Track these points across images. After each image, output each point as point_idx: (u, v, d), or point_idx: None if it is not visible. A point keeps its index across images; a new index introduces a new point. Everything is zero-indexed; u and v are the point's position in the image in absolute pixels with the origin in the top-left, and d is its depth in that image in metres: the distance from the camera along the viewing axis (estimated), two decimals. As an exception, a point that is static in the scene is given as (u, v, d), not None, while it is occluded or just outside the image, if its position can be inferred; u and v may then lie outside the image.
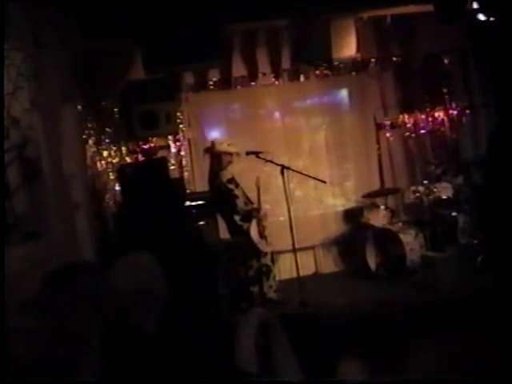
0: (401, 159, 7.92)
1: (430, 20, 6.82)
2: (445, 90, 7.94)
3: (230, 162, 6.07)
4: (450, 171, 7.14)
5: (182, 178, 7.11)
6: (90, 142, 6.44)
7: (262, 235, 6.04)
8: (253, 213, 5.99)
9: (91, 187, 6.17)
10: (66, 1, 4.94)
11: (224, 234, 6.28)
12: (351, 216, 7.54)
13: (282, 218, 7.06)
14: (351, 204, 7.67)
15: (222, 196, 5.96)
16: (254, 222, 5.99)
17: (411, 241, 6.44)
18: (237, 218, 5.95)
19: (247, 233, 5.94)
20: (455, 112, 7.96)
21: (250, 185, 6.24)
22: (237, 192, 5.96)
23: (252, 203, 6.10)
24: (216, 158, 6.05)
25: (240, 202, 5.93)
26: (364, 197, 7.19)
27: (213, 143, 6.17)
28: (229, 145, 6.12)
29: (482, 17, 6.20)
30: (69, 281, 1.77)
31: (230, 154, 6.05)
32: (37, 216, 3.69)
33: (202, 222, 6.22)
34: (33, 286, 1.74)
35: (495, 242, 6.06)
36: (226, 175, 5.98)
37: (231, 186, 5.95)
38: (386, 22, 7.43)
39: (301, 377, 2.26)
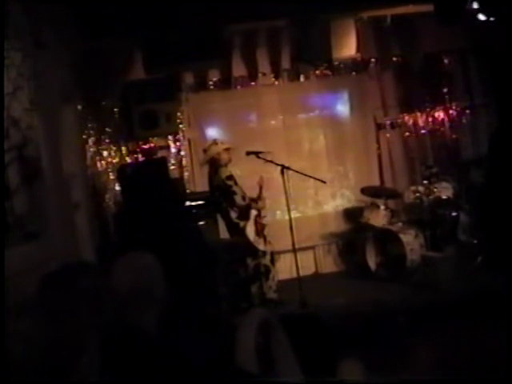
0: (401, 159, 7.92)
1: (430, 20, 6.82)
2: (445, 90, 7.94)
3: (229, 161, 6.07)
4: (444, 173, 7.13)
5: (182, 178, 7.12)
6: (90, 141, 6.44)
7: (259, 234, 6.04)
8: (251, 205, 5.99)
9: (91, 187, 6.17)
10: (66, 1, 4.94)
11: (224, 233, 6.28)
12: (351, 216, 7.54)
13: (281, 218, 7.07)
14: (351, 204, 7.67)
15: (220, 193, 5.96)
16: (250, 221, 5.99)
17: (411, 241, 6.44)
18: (233, 215, 5.95)
19: (243, 231, 5.94)
20: (455, 112, 7.97)
21: (250, 185, 6.25)
22: (235, 189, 5.96)
23: (250, 200, 6.10)
24: (214, 161, 6.05)
25: (238, 198, 5.93)
26: (363, 190, 7.16)
27: (204, 151, 6.17)
28: (221, 143, 6.12)
29: (481, 17, 6.20)
30: (68, 281, 1.77)
31: (227, 149, 6.04)
32: (37, 216, 3.69)
33: (201, 222, 6.23)
34: (33, 286, 1.74)
35: (495, 242, 6.05)
36: (225, 172, 5.99)
37: (230, 183, 5.95)
38: (386, 21, 7.43)
39: (301, 377, 2.26)
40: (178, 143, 7.27)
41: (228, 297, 5.77)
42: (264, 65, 7.44)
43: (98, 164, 6.69)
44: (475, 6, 6.13)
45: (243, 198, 5.99)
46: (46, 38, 4.41)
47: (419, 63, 7.80)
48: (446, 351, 4.70)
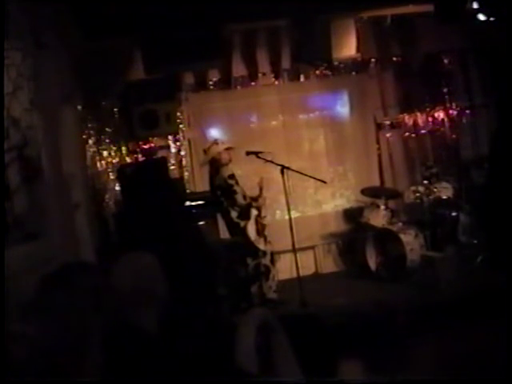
0: (401, 159, 7.92)
1: (430, 20, 6.83)
2: (445, 90, 7.94)
3: (230, 161, 6.07)
4: (444, 173, 7.13)
5: (182, 178, 7.11)
6: (90, 141, 6.44)
7: (259, 233, 6.04)
8: (252, 204, 6.00)
9: (91, 187, 6.17)
10: (66, 1, 4.94)
11: (224, 233, 6.28)
12: (351, 216, 7.54)
13: (281, 218, 7.07)
14: (351, 204, 7.66)
15: (222, 192, 5.97)
16: (251, 220, 5.99)
17: (411, 241, 6.44)
18: (234, 215, 5.95)
19: (244, 231, 5.94)
20: (455, 112, 7.97)
21: (250, 185, 6.26)
22: (237, 188, 5.97)
23: (251, 200, 6.10)
24: (215, 161, 6.05)
25: (240, 198, 5.94)
26: (363, 191, 7.17)
27: (205, 151, 6.18)
28: (222, 143, 6.14)
29: (481, 17, 6.20)
30: (68, 281, 1.77)
31: (227, 149, 6.05)
32: (37, 216, 3.69)
33: (201, 222, 6.22)
34: (33, 286, 1.74)
35: (496, 241, 6.05)
36: (226, 171, 6.00)
37: (231, 182, 5.96)
38: (386, 21, 7.43)
39: (301, 377, 2.26)
40: (178, 143, 7.27)
41: (228, 297, 5.77)
42: (264, 65, 7.44)
43: (98, 164, 6.69)
44: (475, 5, 6.13)
45: (244, 197, 5.99)
46: (46, 38, 4.41)
47: (419, 63, 7.80)
48: (445, 351, 4.70)
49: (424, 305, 5.45)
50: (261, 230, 6.07)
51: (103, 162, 6.83)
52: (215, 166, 6.04)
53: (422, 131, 7.95)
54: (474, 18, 6.26)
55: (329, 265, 7.58)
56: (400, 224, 6.82)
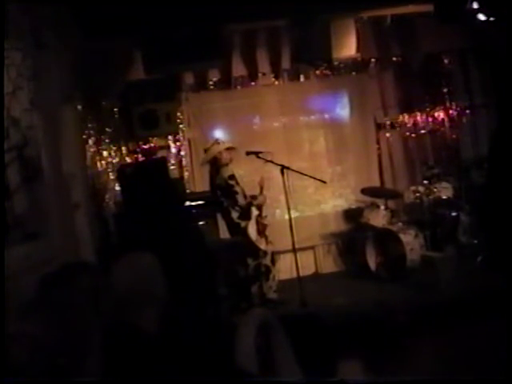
0: (401, 159, 7.92)
1: (430, 20, 6.82)
2: (445, 90, 7.94)
3: (230, 161, 6.07)
4: (445, 174, 7.13)
5: (182, 178, 7.12)
6: (90, 141, 6.44)
7: (260, 233, 6.04)
8: (252, 202, 6.00)
9: (91, 187, 6.17)
10: (66, 1, 4.94)
11: (224, 233, 6.28)
12: (351, 216, 7.54)
13: (281, 218, 7.07)
14: (351, 204, 7.66)
15: (222, 192, 5.97)
16: (252, 220, 5.99)
17: (411, 241, 6.44)
18: (235, 215, 5.95)
19: (245, 231, 5.94)
20: (455, 112, 7.97)
21: (251, 185, 6.26)
22: (237, 188, 5.97)
23: (251, 199, 6.10)
24: (215, 160, 6.05)
25: (240, 198, 5.94)
26: (363, 191, 7.16)
27: (205, 150, 6.19)
28: (223, 142, 6.15)
29: (482, 17, 6.20)
30: (68, 281, 1.77)
31: (228, 149, 6.05)
32: (37, 216, 3.69)
33: (201, 222, 6.22)
34: (33, 286, 1.74)
35: (496, 241, 6.05)
36: (227, 172, 6.00)
37: (232, 182, 5.96)
38: (386, 21, 7.43)
39: (301, 377, 2.26)
40: (177, 143, 7.28)
41: (228, 297, 5.77)
42: (264, 65, 7.44)
43: (98, 164, 6.69)
44: (475, 5, 6.13)
45: (245, 197, 5.99)
46: (46, 38, 4.41)
47: (419, 63, 7.80)
48: (445, 351, 4.70)
49: (424, 305, 5.45)
50: (261, 230, 6.06)
51: (103, 162, 6.83)
52: (216, 165, 6.04)
53: (422, 131, 7.94)
54: (474, 17, 6.26)
55: (329, 265, 7.58)
56: (400, 224, 6.81)
